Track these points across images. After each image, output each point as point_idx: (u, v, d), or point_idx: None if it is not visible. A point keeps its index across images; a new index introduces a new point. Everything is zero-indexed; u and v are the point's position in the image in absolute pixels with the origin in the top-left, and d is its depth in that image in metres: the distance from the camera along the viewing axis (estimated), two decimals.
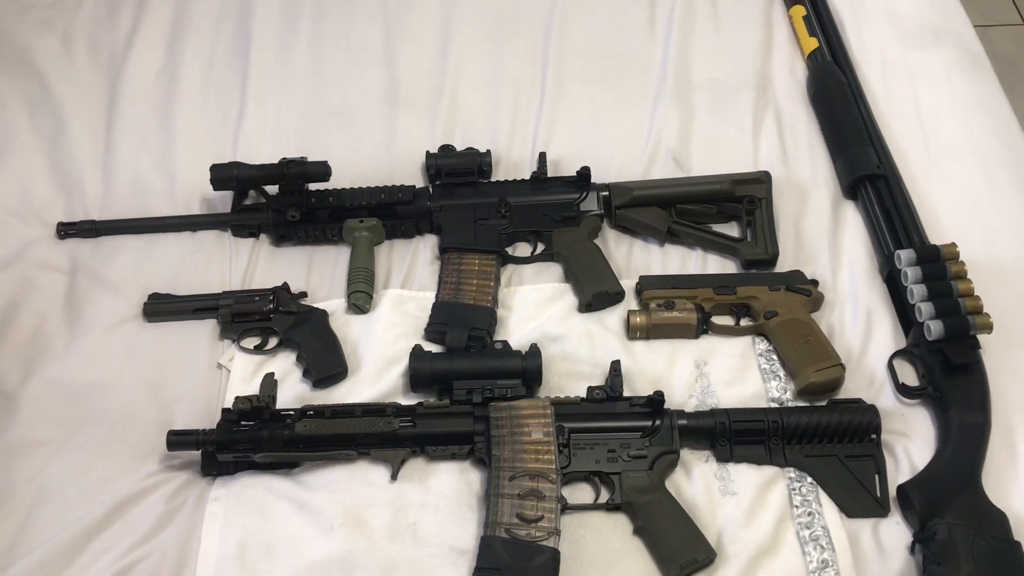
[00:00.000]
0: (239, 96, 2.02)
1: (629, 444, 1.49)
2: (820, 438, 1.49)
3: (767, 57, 2.05)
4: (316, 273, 1.78)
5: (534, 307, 1.71)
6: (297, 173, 1.75)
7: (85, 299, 1.74)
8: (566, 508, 1.43)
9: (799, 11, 2.08)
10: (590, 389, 1.53)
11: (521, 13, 2.13)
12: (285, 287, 1.71)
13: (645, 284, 1.69)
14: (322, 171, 1.75)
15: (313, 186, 1.79)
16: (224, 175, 1.76)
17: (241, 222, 1.82)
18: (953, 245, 1.62)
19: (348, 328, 1.69)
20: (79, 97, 2.02)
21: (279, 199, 1.78)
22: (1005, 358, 1.56)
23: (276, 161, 1.76)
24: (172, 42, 2.10)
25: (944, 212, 1.76)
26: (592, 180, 1.80)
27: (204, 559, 1.42)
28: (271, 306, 1.68)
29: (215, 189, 1.77)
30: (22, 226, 1.84)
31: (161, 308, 1.71)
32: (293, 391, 1.61)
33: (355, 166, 1.88)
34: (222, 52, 2.09)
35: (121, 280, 1.77)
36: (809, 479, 1.48)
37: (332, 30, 2.11)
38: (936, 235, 1.70)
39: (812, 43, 2.02)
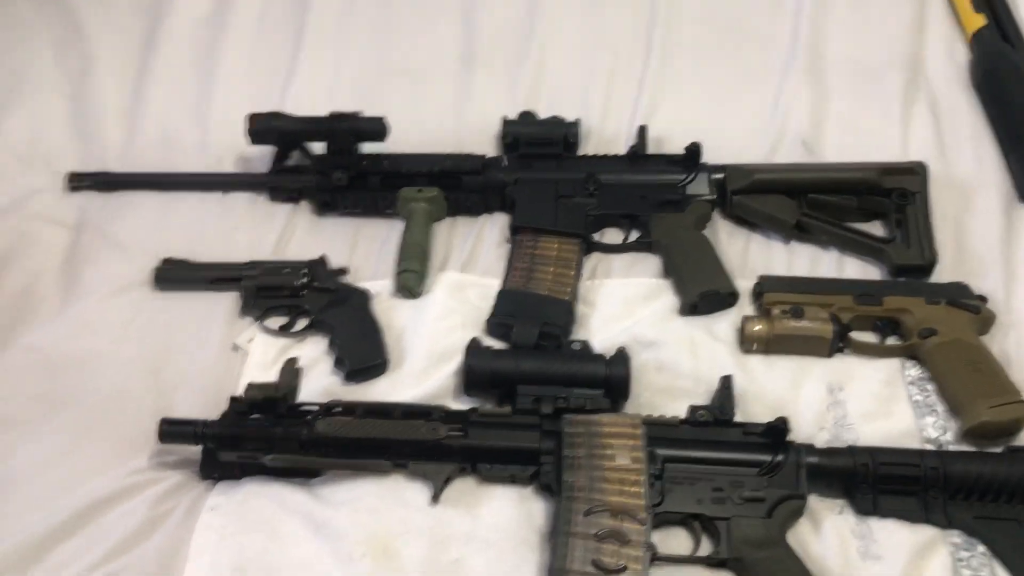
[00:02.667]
0: (292, 48, 1.76)
1: (742, 483, 1.14)
2: (996, 495, 1.13)
3: (919, 36, 1.72)
4: (361, 249, 1.49)
5: (624, 305, 1.38)
6: (348, 129, 1.48)
7: (87, 259, 1.49)
8: (655, 558, 1.09)
9: None
10: (692, 409, 1.20)
11: None
12: (322, 260, 1.42)
13: (767, 286, 1.35)
14: (377, 128, 1.47)
15: (367, 148, 1.50)
16: (264, 126, 1.49)
17: (280, 184, 1.54)
18: None
19: (393, 314, 1.39)
20: (113, 37, 1.78)
21: (326, 160, 1.51)
22: None
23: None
24: None
25: None
26: (702, 160, 1.47)
27: None
28: (304, 281, 1.38)
29: (253, 142, 1.50)
30: (26, 173, 1.61)
31: (174, 275, 1.43)
32: (320, 383, 1.31)
33: (418, 131, 1.59)
34: (277, 5, 1.82)
35: (132, 241, 1.51)
36: (981, 547, 1.12)
37: None
38: None
39: (978, 20, 1.68)
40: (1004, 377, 1.23)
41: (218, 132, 1.65)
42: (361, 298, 1.38)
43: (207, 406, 1.27)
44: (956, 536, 1.13)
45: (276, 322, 1.38)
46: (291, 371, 1.23)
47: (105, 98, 1.69)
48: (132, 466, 1.23)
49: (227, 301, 1.41)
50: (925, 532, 1.13)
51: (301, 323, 1.38)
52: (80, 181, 1.56)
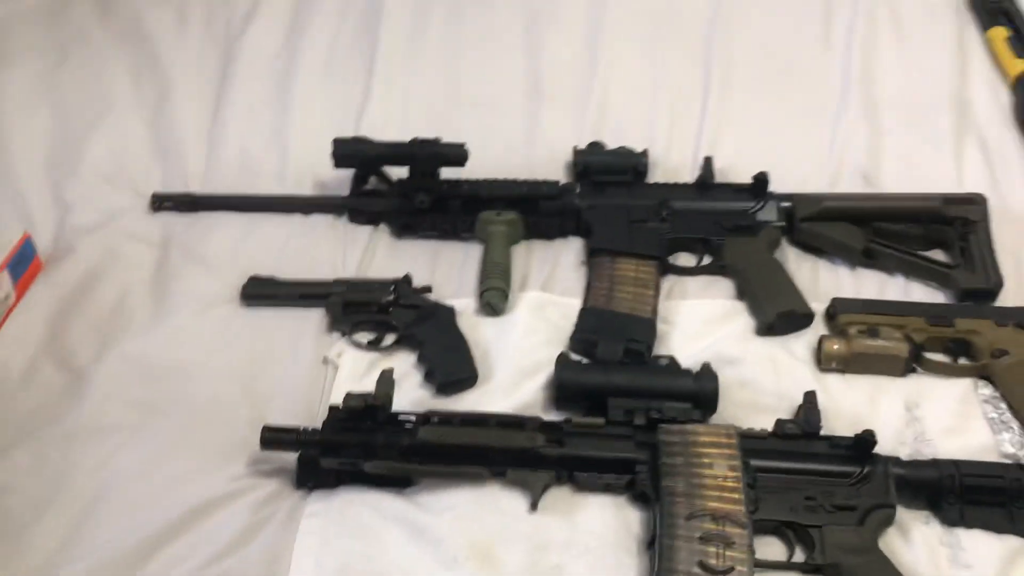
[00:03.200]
0: (364, 80, 1.81)
1: (832, 492, 1.18)
2: None
3: (964, 79, 1.79)
4: (441, 270, 1.53)
5: (703, 324, 1.43)
6: (430, 154, 1.53)
7: (176, 276, 1.52)
8: (755, 565, 1.12)
9: (1000, 33, 1.82)
10: (780, 422, 1.24)
11: (678, 15, 1.89)
12: (407, 279, 1.46)
13: (841, 307, 1.40)
14: (458, 154, 1.52)
15: (445, 174, 1.55)
16: (349, 150, 1.54)
17: (361, 207, 1.59)
18: None
19: (478, 331, 1.42)
20: (189, 67, 1.83)
21: (407, 183, 1.55)
22: None
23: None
24: (294, 21, 1.89)
25: None
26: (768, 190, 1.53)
27: None
28: (390, 298, 1.42)
29: (337, 166, 1.55)
30: (113, 193, 1.65)
31: (262, 291, 1.47)
32: (409, 396, 1.34)
33: (491, 160, 1.62)
34: (347, 35, 1.88)
35: (217, 259, 1.54)
36: None
37: (470, 16, 1.89)
38: None
39: (1019, 65, 1.76)
40: None
41: (295, 157, 1.70)
42: (448, 314, 1.42)
43: (299, 416, 1.30)
44: None
45: (364, 337, 1.42)
46: (387, 381, 1.26)
47: (184, 124, 1.74)
48: (231, 472, 1.25)
49: (314, 317, 1.44)
50: (1013, 542, 1.16)
51: (389, 338, 1.41)
52: (163, 201, 1.61)
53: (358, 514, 1.20)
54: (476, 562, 1.15)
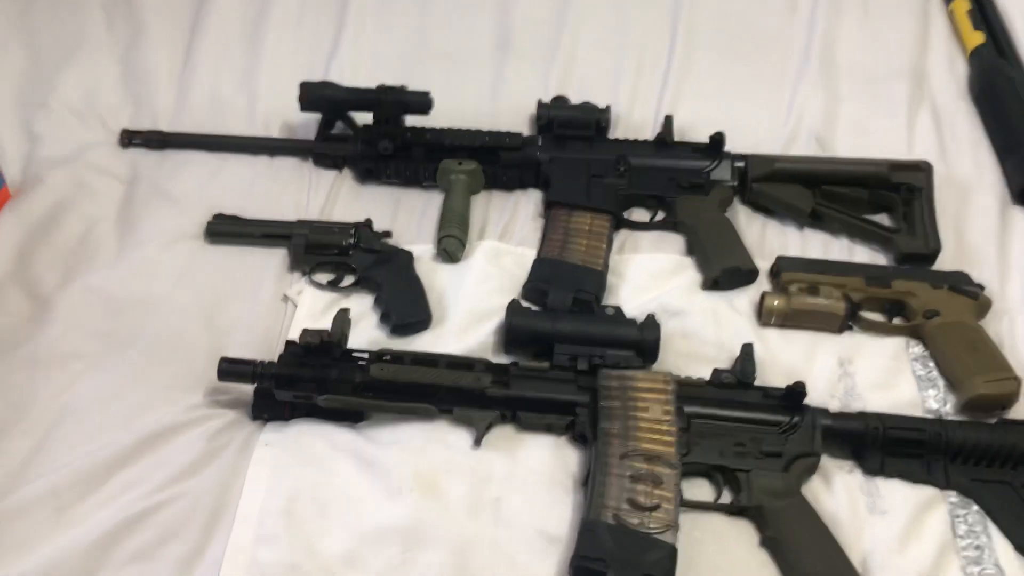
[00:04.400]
0: (335, 26, 1.83)
1: (761, 439, 1.24)
2: (990, 460, 1.24)
3: (923, 50, 1.84)
4: (402, 217, 1.58)
5: (651, 278, 1.48)
6: (395, 101, 1.56)
7: (142, 211, 1.55)
8: (681, 504, 1.18)
9: (962, 5, 1.86)
10: (716, 372, 1.30)
11: None
12: (368, 223, 1.50)
13: (785, 265, 1.45)
14: (423, 101, 1.56)
15: (410, 123, 1.59)
16: (315, 94, 1.57)
17: (326, 151, 1.62)
18: None
19: (435, 276, 1.47)
20: (162, 7, 1.84)
21: (371, 129, 1.59)
22: None
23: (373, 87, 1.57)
24: None
25: None
26: (725, 149, 1.58)
27: (245, 510, 1.19)
28: (351, 241, 1.46)
29: (303, 109, 1.58)
30: (83, 128, 1.67)
31: (227, 229, 1.50)
32: (365, 336, 1.39)
33: (456, 111, 1.65)
34: None
35: (184, 197, 1.58)
36: (975, 507, 1.22)
37: None
38: None
39: (977, 37, 1.80)
40: (999, 356, 1.34)
41: (264, 100, 1.72)
42: (406, 258, 1.46)
43: (258, 350, 1.35)
44: (953, 496, 1.23)
45: (324, 277, 1.46)
46: (343, 319, 1.31)
47: (156, 63, 1.76)
48: (189, 402, 1.30)
49: (277, 257, 1.48)
50: (926, 491, 1.23)
51: (348, 279, 1.46)
52: (133, 137, 1.63)
53: (310, 445, 1.26)
54: (421, 492, 1.20)
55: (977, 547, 1.18)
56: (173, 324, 1.39)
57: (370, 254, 1.46)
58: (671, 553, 1.10)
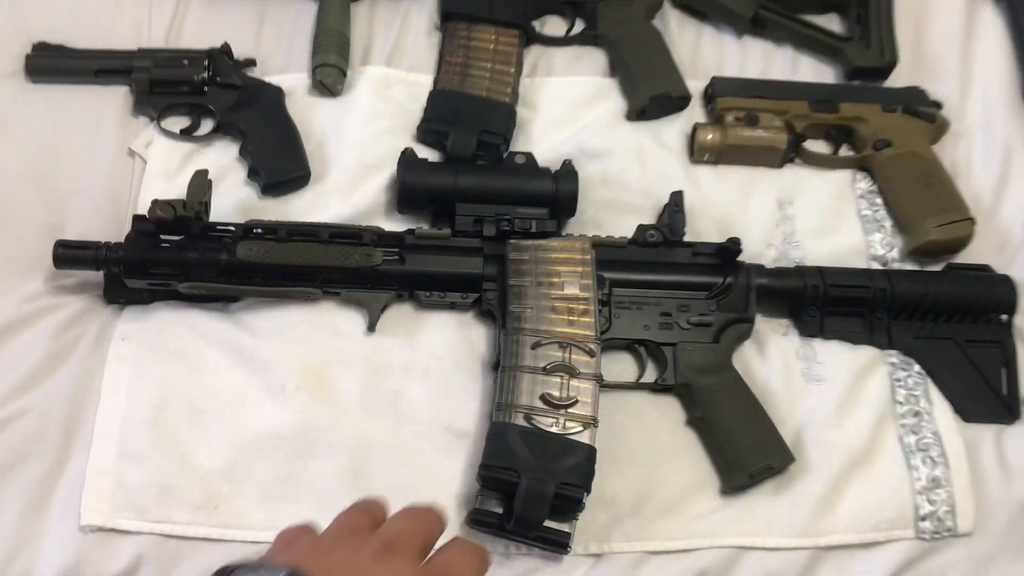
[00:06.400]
0: None
1: (689, 306, 1.11)
2: (936, 315, 1.13)
3: None
4: (268, 38, 1.30)
5: (568, 108, 1.27)
6: None
7: None
8: (601, 384, 1.06)
9: None
10: (641, 229, 1.13)
11: None
12: (226, 49, 1.24)
13: (721, 88, 1.25)
14: None
15: None
16: None
17: None
18: None
19: (312, 115, 1.24)
20: None
21: None
22: None
23: None
24: None
25: None
26: None
27: (104, 421, 1.03)
28: (205, 75, 1.21)
29: None
30: None
31: (52, 65, 1.23)
32: (234, 196, 1.18)
33: None
34: None
35: None
36: (916, 367, 1.13)
37: None
38: None
39: None
40: (954, 193, 1.20)
41: None
42: (273, 96, 1.22)
43: (105, 221, 1.15)
44: (894, 357, 1.13)
45: (177, 123, 1.22)
46: (201, 185, 1.09)
47: None
48: (26, 291, 1.10)
49: (116, 98, 1.22)
50: (866, 353, 1.13)
51: (206, 125, 1.22)
52: None
53: (177, 336, 1.08)
54: (308, 391, 1.06)
55: (916, 413, 1.10)
56: None
57: (230, 91, 1.21)
58: (590, 455, 0.98)
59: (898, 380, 1.12)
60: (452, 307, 1.11)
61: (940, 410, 1.10)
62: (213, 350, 1.08)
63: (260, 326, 1.09)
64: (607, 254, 1.11)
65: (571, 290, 1.06)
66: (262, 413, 1.04)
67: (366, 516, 0.62)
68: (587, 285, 1.07)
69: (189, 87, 1.20)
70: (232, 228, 1.08)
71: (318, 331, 1.09)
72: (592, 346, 1.04)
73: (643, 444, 1.07)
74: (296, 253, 1.07)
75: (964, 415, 1.10)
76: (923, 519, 1.04)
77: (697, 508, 1.04)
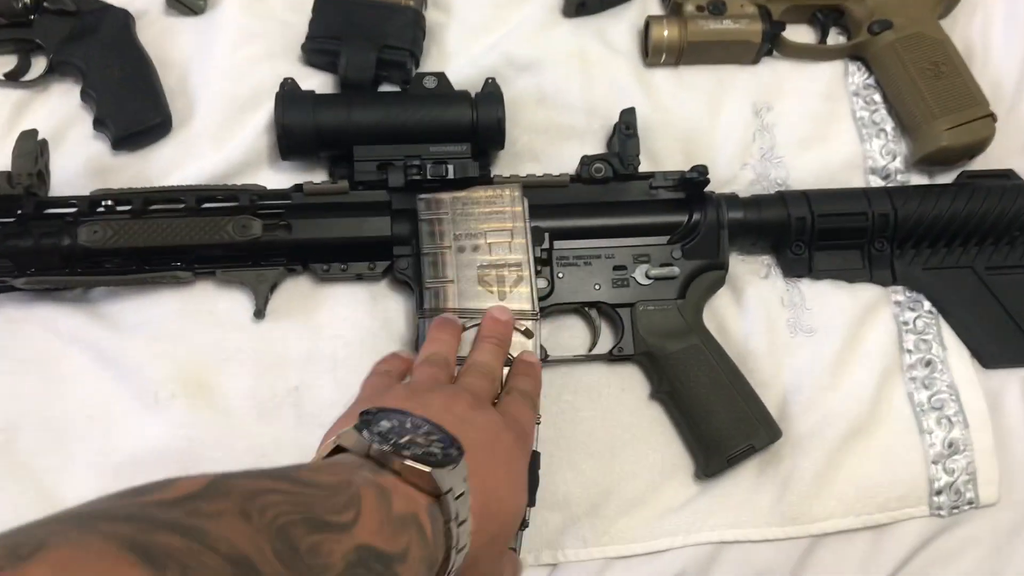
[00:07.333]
0: None
1: (647, 256, 0.90)
2: (949, 239, 0.93)
3: None
4: None
5: (490, 7, 1.02)
6: None
7: None
8: (546, 360, 0.87)
9: None
10: (585, 162, 0.91)
11: None
12: None
13: None
14: None
15: None
16: None
17: None
18: None
19: (168, 42, 0.99)
20: None
21: None
22: None
23: None
24: None
25: None
26: None
27: None
28: (29, 1, 0.95)
29: None
30: None
31: None
32: (80, 155, 0.95)
33: None
34: None
35: None
36: (927, 306, 0.94)
37: None
38: None
39: None
40: (970, 83, 0.97)
41: None
42: (119, 23, 0.96)
43: None
44: (900, 294, 0.94)
45: (1, 66, 0.97)
46: (29, 150, 0.87)
47: None
48: None
49: None
50: (866, 293, 0.93)
51: (38, 67, 0.97)
52: None
53: (26, 337, 0.88)
54: (186, 397, 0.86)
55: (927, 362, 0.91)
56: None
57: (63, 19, 0.96)
58: (533, 456, 0.80)
59: (905, 323, 0.93)
60: (359, 279, 0.90)
61: (956, 356, 0.92)
62: (72, 353, 0.88)
63: (124, 319, 0.89)
64: (544, 198, 0.89)
65: (501, 253, 0.86)
66: (134, 428, 0.86)
67: (436, 366, 0.74)
68: (520, 245, 0.86)
69: (10, 17, 0.95)
70: (74, 203, 0.86)
71: (194, 322, 0.89)
72: (528, 324, 0.84)
73: (600, 428, 0.89)
74: (152, 232, 0.85)
75: (984, 360, 0.92)
76: (938, 493, 0.87)
77: (667, 500, 0.87)
